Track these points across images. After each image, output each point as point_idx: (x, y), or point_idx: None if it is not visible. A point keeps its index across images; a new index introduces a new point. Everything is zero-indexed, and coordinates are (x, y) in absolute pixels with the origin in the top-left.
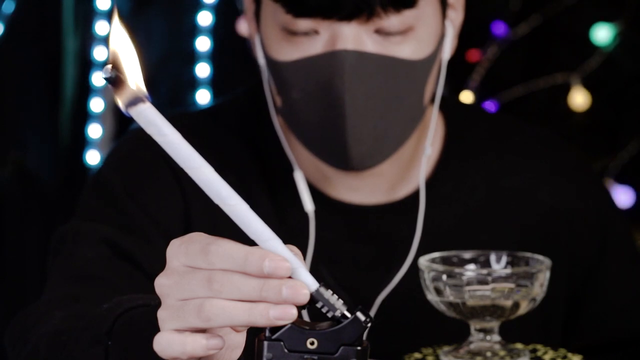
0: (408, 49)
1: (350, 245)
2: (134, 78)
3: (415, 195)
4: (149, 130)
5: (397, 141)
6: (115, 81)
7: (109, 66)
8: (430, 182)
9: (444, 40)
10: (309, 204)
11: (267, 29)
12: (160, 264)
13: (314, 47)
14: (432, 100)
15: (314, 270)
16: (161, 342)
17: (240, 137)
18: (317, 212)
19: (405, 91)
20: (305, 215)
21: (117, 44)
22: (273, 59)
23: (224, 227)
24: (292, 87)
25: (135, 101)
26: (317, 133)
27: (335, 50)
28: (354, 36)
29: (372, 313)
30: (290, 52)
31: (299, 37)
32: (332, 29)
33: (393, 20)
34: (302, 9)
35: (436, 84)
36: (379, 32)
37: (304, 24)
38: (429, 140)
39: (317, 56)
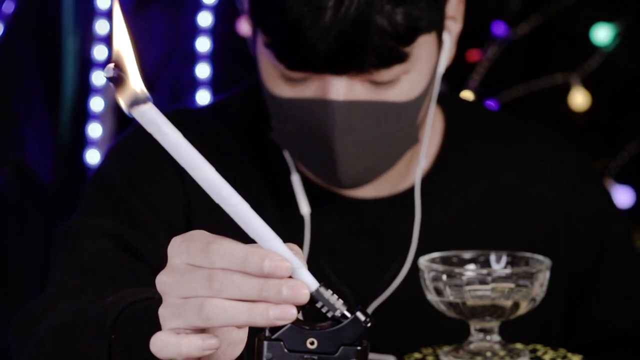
0: (400, 92)
1: (351, 240)
2: (136, 78)
3: (413, 188)
4: (151, 129)
5: (390, 164)
6: (118, 80)
7: (112, 65)
8: (429, 177)
9: (439, 57)
10: (305, 207)
11: (263, 62)
12: (162, 258)
13: (307, 89)
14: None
15: (313, 266)
16: (157, 343)
17: (240, 135)
18: (318, 206)
19: (397, 129)
20: (312, 216)
21: (120, 43)
22: (269, 90)
23: (226, 224)
24: (287, 119)
25: (137, 101)
26: (309, 159)
27: (327, 100)
28: (345, 86)
29: (371, 310)
30: (284, 89)
31: (293, 79)
32: (324, 79)
33: (385, 74)
34: (294, 64)
35: (431, 99)
36: (370, 80)
37: (297, 73)
38: (423, 153)
39: (310, 100)
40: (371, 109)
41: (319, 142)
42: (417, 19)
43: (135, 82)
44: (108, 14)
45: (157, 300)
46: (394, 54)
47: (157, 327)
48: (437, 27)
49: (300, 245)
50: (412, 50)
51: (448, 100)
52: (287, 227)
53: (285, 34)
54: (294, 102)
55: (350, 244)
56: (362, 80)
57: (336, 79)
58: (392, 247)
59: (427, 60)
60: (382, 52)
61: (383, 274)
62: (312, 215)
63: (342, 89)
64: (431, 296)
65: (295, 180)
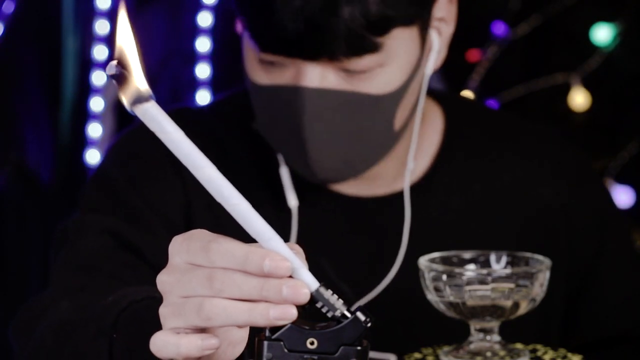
0: (375, 84)
1: (342, 236)
2: (139, 75)
3: (412, 187)
4: (153, 127)
5: (367, 164)
6: (121, 78)
7: (114, 62)
8: (428, 175)
9: (427, 58)
10: (292, 200)
11: (245, 50)
12: (163, 257)
13: (282, 76)
14: (409, 121)
15: (310, 262)
16: (156, 343)
17: (240, 135)
18: (314, 203)
19: (371, 123)
20: (303, 210)
21: (123, 41)
22: (249, 78)
23: (226, 224)
24: (264, 108)
25: (139, 99)
26: (285, 149)
27: (299, 87)
28: (318, 74)
29: (363, 303)
30: (262, 76)
31: (269, 65)
32: (298, 64)
33: (357, 63)
34: (268, 45)
35: (415, 105)
36: (344, 69)
37: (271, 56)
38: (411, 155)
39: (284, 87)
40: (343, 99)
41: (291, 130)
42: (390, 9)
43: (138, 80)
44: (108, 14)
45: (158, 299)
46: (364, 42)
47: (158, 327)
48: (419, 23)
49: (288, 238)
50: (385, 41)
51: (448, 99)
52: (276, 219)
53: (258, 13)
54: (270, 89)
55: (341, 239)
56: (335, 69)
57: (310, 66)
58: (385, 245)
59: (406, 56)
60: (352, 39)
61: (374, 271)
62: (303, 208)
63: (315, 76)
64: (431, 296)
65: (284, 172)
